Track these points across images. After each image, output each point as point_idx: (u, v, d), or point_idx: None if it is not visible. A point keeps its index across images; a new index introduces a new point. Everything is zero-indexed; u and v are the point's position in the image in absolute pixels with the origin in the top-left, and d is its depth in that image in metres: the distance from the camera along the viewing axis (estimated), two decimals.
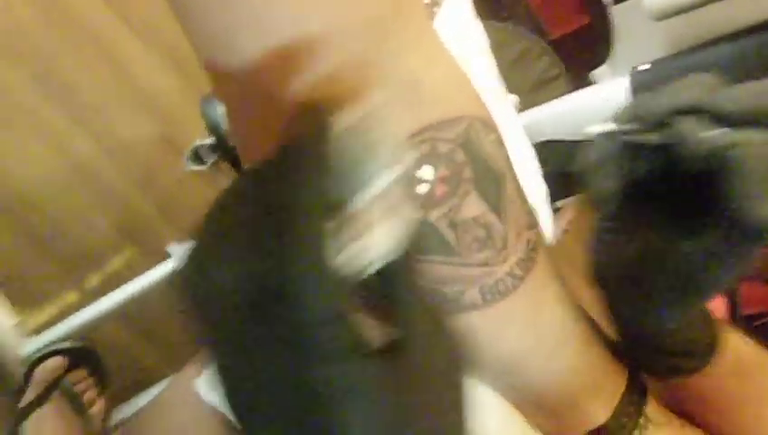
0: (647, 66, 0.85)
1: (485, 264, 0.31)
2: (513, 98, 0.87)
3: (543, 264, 0.33)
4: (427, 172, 0.29)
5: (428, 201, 0.30)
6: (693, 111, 0.29)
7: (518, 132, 0.76)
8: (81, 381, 0.89)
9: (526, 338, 0.33)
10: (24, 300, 0.97)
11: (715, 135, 0.28)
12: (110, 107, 1.17)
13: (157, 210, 1.18)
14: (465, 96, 0.32)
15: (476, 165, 0.30)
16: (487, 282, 0.31)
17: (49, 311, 1.01)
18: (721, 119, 0.28)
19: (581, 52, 1.40)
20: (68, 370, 0.87)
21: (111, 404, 0.93)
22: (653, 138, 0.30)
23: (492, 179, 0.31)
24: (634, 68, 0.84)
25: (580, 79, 1.28)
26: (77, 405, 0.86)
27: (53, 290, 1.02)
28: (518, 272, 0.31)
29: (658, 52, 0.90)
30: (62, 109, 1.09)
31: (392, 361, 0.21)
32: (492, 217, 0.31)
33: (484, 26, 0.85)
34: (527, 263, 0.32)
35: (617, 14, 1.09)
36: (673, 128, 0.29)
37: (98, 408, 0.90)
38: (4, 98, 1.05)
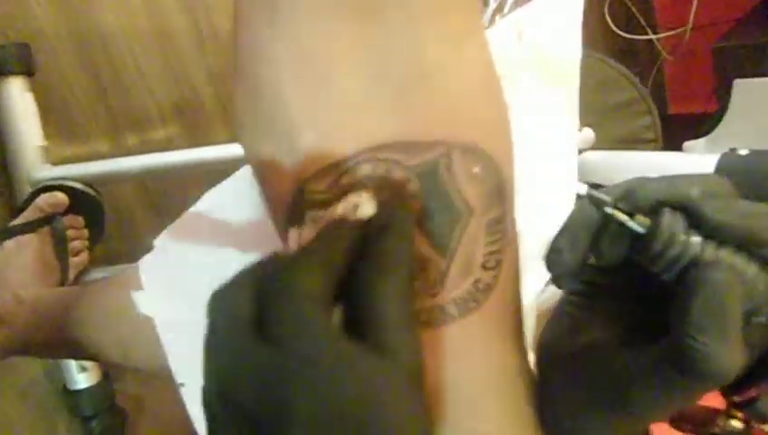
0: (744, 152, 0.75)
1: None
2: (587, 132, 0.80)
3: (493, 311, 0.29)
4: (365, 197, 0.27)
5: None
6: (682, 209, 0.25)
7: (566, 167, 0.68)
8: (76, 227, 0.87)
9: (443, 377, 0.29)
10: (58, 129, 0.95)
11: (693, 242, 0.24)
12: None
13: (218, 106, 1.16)
14: (460, 115, 0.29)
15: (431, 198, 0.28)
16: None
17: (77, 150, 0.99)
18: (704, 229, 0.25)
19: (692, 136, 1.31)
20: (67, 211, 0.85)
21: (94, 263, 0.90)
22: (629, 221, 0.26)
23: (447, 215, 0.29)
24: (732, 150, 0.75)
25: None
26: (61, 248, 0.84)
27: (90, 133, 1.01)
28: (451, 310, 0.28)
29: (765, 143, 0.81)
30: None
31: None
32: (431, 253, 0.29)
33: (605, 62, 0.78)
34: (468, 304, 0.29)
35: (737, 90, 1.00)
36: (656, 219, 0.25)
37: (80, 259, 0.88)
38: None
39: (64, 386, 0.92)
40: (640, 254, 0.25)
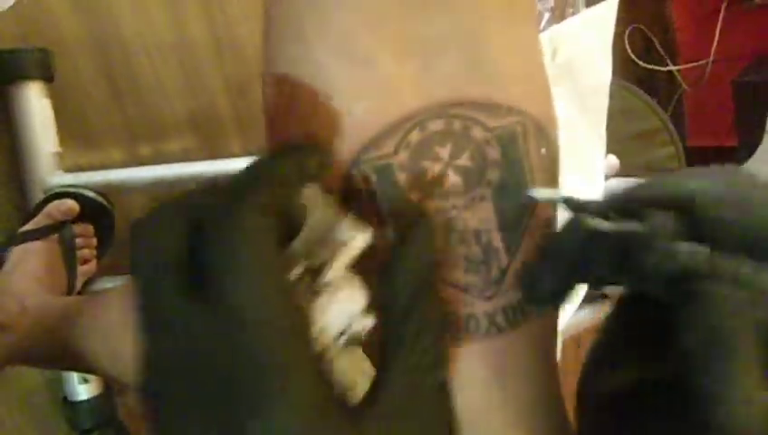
0: None
1: (465, 290, 0.25)
2: (611, 158, 0.79)
3: (536, 327, 0.26)
4: (445, 152, 0.24)
5: (431, 186, 0.24)
6: (675, 209, 0.20)
7: (594, 186, 0.66)
8: (85, 236, 0.86)
9: (482, 399, 0.26)
10: (73, 136, 0.95)
11: (682, 250, 0.18)
12: (240, 4, 1.15)
13: (234, 117, 1.15)
14: (531, 90, 0.26)
15: (508, 171, 0.24)
16: (457, 312, 0.25)
17: (90, 157, 0.98)
18: (706, 232, 0.19)
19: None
20: (78, 219, 0.84)
21: (102, 272, 0.89)
22: (602, 224, 0.20)
23: (519, 196, 0.25)
24: None
25: None
26: (69, 256, 0.83)
27: (105, 141, 1.00)
28: (500, 320, 0.25)
29: None
30: None
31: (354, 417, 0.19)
32: (498, 240, 0.25)
33: (628, 90, 0.77)
34: (516, 315, 0.25)
35: None
36: (642, 222, 0.19)
37: (87, 268, 0.86)
38: None
39: (65, 397, 0.91)
40: (627, 270, 0.20)
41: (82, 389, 0.90)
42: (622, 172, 0.78)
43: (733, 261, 0.18)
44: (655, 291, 0.20)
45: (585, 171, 0.42)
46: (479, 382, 0.26)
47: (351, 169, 0.24)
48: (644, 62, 1.80)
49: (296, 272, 0.22)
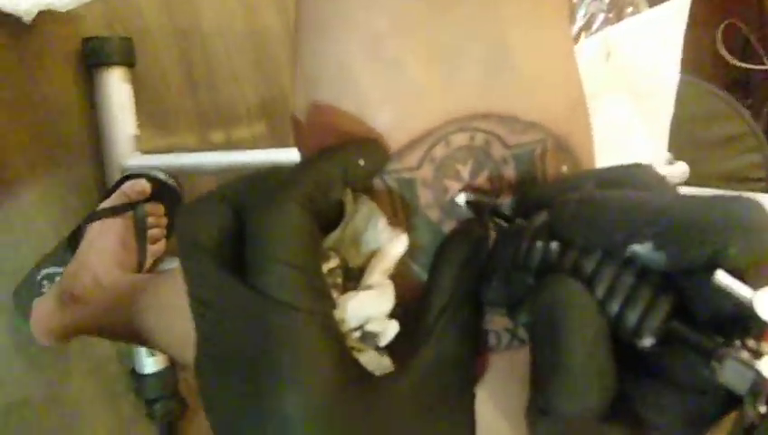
0: None
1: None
2: (681, 165, 0.74)
3: None
4: (465, 171, 0.24)
5: (451, 209, 0.24)
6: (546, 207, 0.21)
7: None
8: (156, 215, 0.90)
9: (508, 406, 0.26)
10: (149, 119, 0.99)
11: (540, 247, 0.20)
12: None
13: None
14: (555, 102, 0.25)
15: (522, 191, 0.25)
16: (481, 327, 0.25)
17: (164, 140, 1.03)
18: (561, 232, 0.20)
19: None
20: (149, 199, 0.88)
21: (170, 252, 0.93)
22: (496, 222, 0.22)
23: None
24: None
25: None
26: (141, 235, 0.87)
27: (179, 126, 1.04)
28: (521, 333, 0.26)
29: None
30: None
31: (374, 392, 0.20)
32: None
33: (711, 92, 0.72)
34: None
35: None
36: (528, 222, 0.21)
37: (157, 247, 0.90)
38: None
39: (133, 369, 0.96)
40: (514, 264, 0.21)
41: (150, 362, 0.95)
42: (698, 181, 0.73)
43: (574, 255, 0.19)
44: (529, 281, 0.21)
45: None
46: (504, 392, 0.26)
47: (375, 179, 0.24)
48: (739, 60, 1.69)
49: (330, 265, 0.22)
